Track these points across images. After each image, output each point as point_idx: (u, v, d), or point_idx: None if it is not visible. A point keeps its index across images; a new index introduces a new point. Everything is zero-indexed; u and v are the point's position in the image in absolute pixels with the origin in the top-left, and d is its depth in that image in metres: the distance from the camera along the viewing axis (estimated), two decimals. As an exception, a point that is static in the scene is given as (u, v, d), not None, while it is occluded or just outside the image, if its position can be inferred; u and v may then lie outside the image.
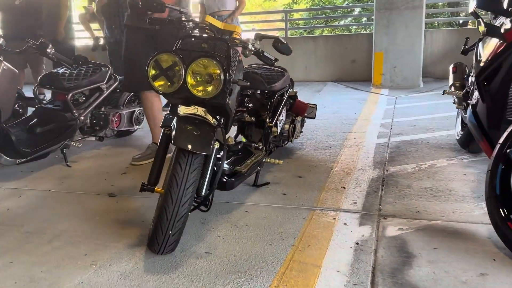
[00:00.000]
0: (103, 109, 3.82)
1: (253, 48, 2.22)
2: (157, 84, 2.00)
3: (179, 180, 1.80)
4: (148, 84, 1.99)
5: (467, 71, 3.03)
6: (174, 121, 2.00)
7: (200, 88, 1.95)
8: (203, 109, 2.08)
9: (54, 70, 3.61)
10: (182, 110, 2.06)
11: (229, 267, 1.86)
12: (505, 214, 1.83)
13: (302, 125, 3.62)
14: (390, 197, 2.54)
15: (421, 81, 6.70)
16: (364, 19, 11.41)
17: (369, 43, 7.46)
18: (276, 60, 2.29)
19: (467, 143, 3.21)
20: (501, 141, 1.91)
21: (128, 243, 2.10)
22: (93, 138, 3.78)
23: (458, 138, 3.38)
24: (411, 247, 1.97)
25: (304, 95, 6.42)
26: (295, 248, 1.99)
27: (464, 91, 2.86)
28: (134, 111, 4.12)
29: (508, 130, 1.89)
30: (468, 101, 2.47)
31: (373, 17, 6.89)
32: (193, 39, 2.07)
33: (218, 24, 2.25)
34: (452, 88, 3.01)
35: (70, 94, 3.41)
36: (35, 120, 3.42)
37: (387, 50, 6.67)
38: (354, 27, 12.72)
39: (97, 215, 2.46)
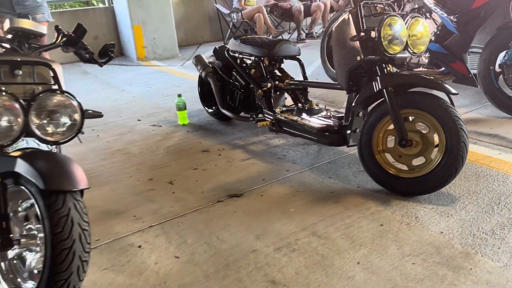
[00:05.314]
0: None
1: None
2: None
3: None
4: None
5: None
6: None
7: (421, 46, 2.20)
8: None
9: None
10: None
11: None
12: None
13: None
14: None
15: (178, 50, 7.21)
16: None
17: (108, 17, 7.18)
18: None
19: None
20: (485, 57, 3.17)
21: (383, 204, 2.14)
22: None
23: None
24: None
25: (72, 80, 5.67)
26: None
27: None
28: None
29: (487, 49, 3.17)
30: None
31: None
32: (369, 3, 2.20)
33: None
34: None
35: None
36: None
37: (144, 23, 6.73)
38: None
39: (286, 211, 2.15)
